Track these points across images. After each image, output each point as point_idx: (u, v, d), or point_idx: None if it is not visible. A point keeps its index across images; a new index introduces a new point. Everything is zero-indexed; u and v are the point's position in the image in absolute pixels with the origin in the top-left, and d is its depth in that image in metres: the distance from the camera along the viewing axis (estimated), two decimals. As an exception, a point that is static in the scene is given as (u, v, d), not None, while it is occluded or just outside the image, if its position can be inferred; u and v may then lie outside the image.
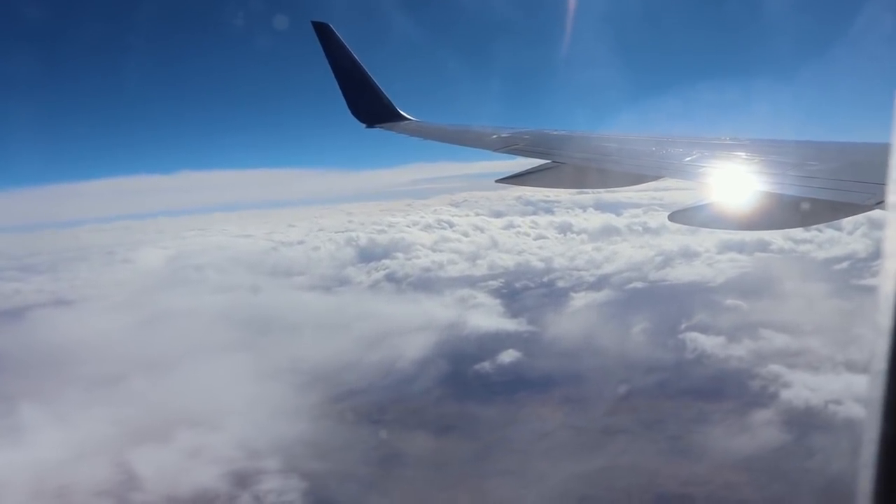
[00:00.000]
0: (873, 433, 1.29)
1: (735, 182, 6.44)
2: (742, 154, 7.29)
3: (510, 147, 9.60)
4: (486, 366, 59.03)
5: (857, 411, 42.07)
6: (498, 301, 76.28)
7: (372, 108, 13.38)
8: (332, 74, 13.25)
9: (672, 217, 6.49)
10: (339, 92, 13.37)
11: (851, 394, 43.79)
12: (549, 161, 8.72)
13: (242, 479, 41.46)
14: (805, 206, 5.28)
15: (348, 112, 13.47)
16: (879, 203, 4.53)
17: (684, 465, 41.19)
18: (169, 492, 39.76)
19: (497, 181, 9.92)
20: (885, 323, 1.27)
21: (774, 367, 50.06)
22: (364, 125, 13.44)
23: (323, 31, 13.02)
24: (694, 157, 7.27)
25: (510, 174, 9.42)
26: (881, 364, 1.28)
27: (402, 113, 13.54)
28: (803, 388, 46.11)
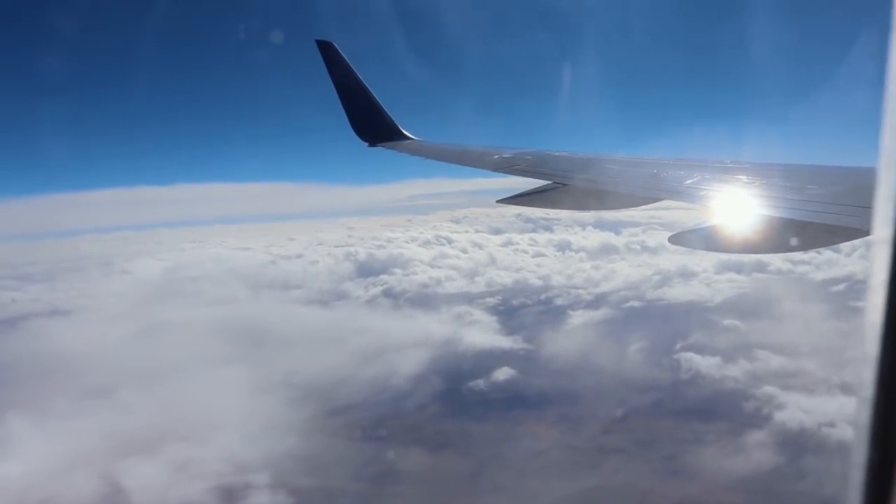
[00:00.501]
0: (861, 459, 1.33)
1: (735, 205, 6.48)
2: (742, 177, 7.33)
3: (512, 168, 9.69)
4: (481, 383, 58.74)
5: (850, 434, 41.70)
6: (494, 318, 76.07)
7: (374, 126, 13.50)
8: (335, 91, 13.32)
9: (672, 239, 6.56)
10: (342, 108, 13.45)
11: (845, 416, 43.45)
12: (550, 182, 8.84)
13: (230, 494, 41.09)
14: (805, 230, 5.28)
15: (350, 128, 13.58)
16: None
17: (676, 485, 40.85)
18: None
19: (498, 201, 10.08)
20: (872, 351, 1.31)
21: (769, 389, 49.72)
22: (366, 144, 13.55)
23: (327, 50, 13.12)
24: (695, 179, 7.32)
25: (511, 193, 9.53)
26: (868, 391, 1.32)
27: (405, 132, 13.65)
28: (797, 410, 45.76)
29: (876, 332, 1.30)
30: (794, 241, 5.51)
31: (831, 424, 43.02)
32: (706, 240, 6.28)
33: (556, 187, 8.71)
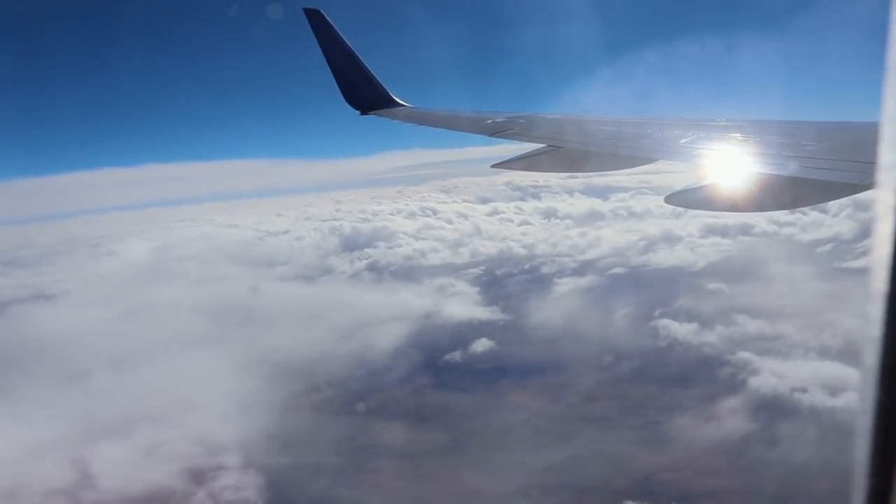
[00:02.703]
0: (869, 402, 1.31)
1: (731, 164, 6.47)
2: (737, 135, 7.27)
3: (505, 132, 9.56)
4: (460, 355, 58.67)
5: (821, 399, 41.53)
6: (477, 289, 75.63)
7: (365, 95, 13.31)
8: (324, 61, 13.10)
9: (668, 199, 6.57)
10: (332, 79, 13.26)
11: (818, 380, 43.21)
12: (544, 145, 8.71)
13: (198, 476, 41.05)
14: (801, 186, 5.29)
15: (341, 99, 13.36)
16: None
17: (648, 453, 40.77)
18: (121, 489, 39.34)
19: (492, 166, 10.09)
20: (880, 288, 1.29)
21: (745, 354, 49.38)
22: (358, 112, 13.38)
23: (315, 18, 12.84)
24: (689, 138, 7.23)
25: (505, 159, 9.49)
26: (876, 330, 1.30)
27: (396, 99, 13.47)
28: (771, 376, 45.42)
29: (884, 268, 1.28)
30: (791, 198, 5.54)
31: (803, 390, 42.70)
32: (702, 199, 6.31)
33: (551, 150, 8.65)
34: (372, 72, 13.41)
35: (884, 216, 1.30)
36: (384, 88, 13.49)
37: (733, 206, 6.89)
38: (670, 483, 37.59)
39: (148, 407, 50.07)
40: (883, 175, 1.33)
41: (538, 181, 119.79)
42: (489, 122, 10.37)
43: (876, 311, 1.30)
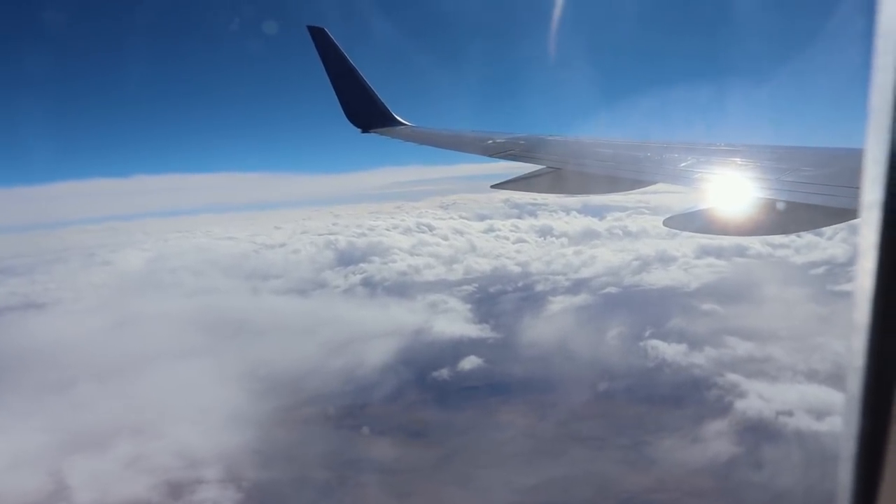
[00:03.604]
0: (853, 428, 1.35)
1: (730, 188, 6.49)
2: (737, 159, 7.34)
3: (505, 153, 9.63)
4: (451, 372, 58.33)
5: (806, 423, 41.15)
6: (469, 306, 75.35)
7: (367, 113, 13.42)
8: (326, 78, 13.21)
9: (667, 222, 6.58)
10: (333, 94, 13.36)
11: (804, 404, 42.86)
12: (544, 166, 8.78)
13: (176, 489, 40.63)
14: (800, 211, 5.29)
15: (342, 114, 13.49)
16: None
17: (634, 475, 40.38)
18: (96, 502, 38.94)
19: (492, 186, 10.04)
20: (863, 320, 1.33)
21: (733, 377, 49.03)
22: (360, 130, 13.48)
23: (318, 36, 12.97)
24: (689, 162, 7.30)
25: (505, 178, 9.49)
26: (859, 361, 1.34)
27: (398, 118, 13.57)
28: (758, 399, 45.06)
29: (867, 299, 1.31)
30: (789, 223, 5.56)
31: (789, 413, 42.31)
32: (701, 222, 6.33)
33: (550, 172, 8.69)
34: (374, 90, 13.53)
35: (866, 253, 1.32)
36: (385, 107, 13.61)
37: (732, 230, 6.95)
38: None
39: (132, 418, 49.79)
40: (864, 213, 1.35)
41: (536, 199, 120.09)
42: (489, 142, 10.48)
43: (859, 343, 1.33)
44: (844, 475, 1.37)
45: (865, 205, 1.35)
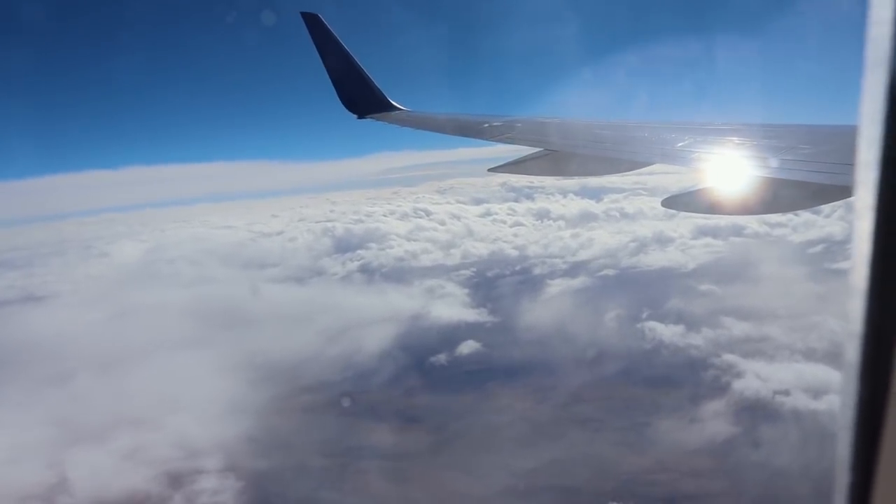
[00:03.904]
0: (850, 398, 1.35)
1: (728, 167, 6.42)
2: (734, 139, 7.27)
3: (502, 136, 9.56)
4: (449, 357, 58.46)
5: (803, 402, 41.28)
6: (467, 291, 75.35)
7: (362, 98, 13.42)
8: (321, 64, 13.22)
9: (665, 203, 6.66)
10: (328, 81, 13.38)
11: (801, 383, 42.96)
12: (541, 149, 8.72)
13: (176, 480, 40.81)
14: (798, 189, 5.28)
15: (337, 101, 13.50)
16: None
17: (634, 456, 40.56)
18: (95, 494, 39.09)
19: (490, 170, 10.14)
20: (860, 285, 1.32)
21: (731, 357, 49.10)
22: (355, 116, 13.51)
23: (313, 23, 12.93)
24: (686, 142, 7.23)
25: (502, 162, 9.57)
26: (857, 327, 1.33)
27: (393, 103, 13.56)
28: (755, 379, 45.15)
29: (864, 263, 1.32)
30: (787, 202, 5.59)
31: (786, 392, 42.42)
32: (700, 202, 6.31)
33: (548, 154, 8.63)
34: (369, 76, 13.50)
35: (862, 214, 1.33)
36: (381, 92, 13.58)
37: (730, 210, 6.93)
38: (655, 485, 37.42)
39: (132, 409, 49.88)
40: (860, 173, 1.35)
41: (533, 182, 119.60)
42: (486, 125, 10.41)
43: (856, 308, 1.33)
44: (843, 443, 1.37)
45: (862, 164, 1.34)
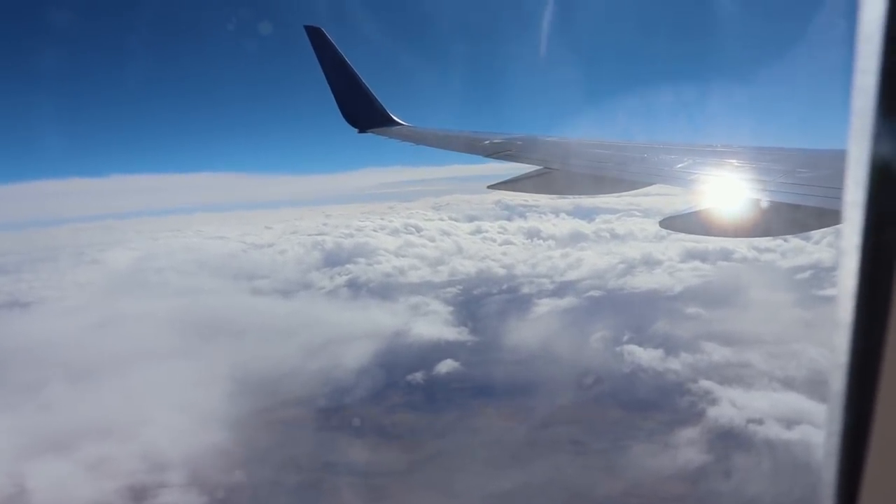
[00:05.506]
0: (836, 425, 1.38)
1: (727, 190, 6.45)
2: (733, 161, 7.30)
3: (502, 153, 9.56)
4: (426, 375, 57.98)
5: (776, 431, 40.80)
6: (451, 309, 74.94)
7: (364, 113, 13.44)
8: (321, 77, 13.26)
9: (663, 224, 6.64)
10: (328, 94, 13.42)
11: (776, 412, 42.50)
12: (540, 167, 8.73)
13: (140, 493, 40.28)
14: (797, 213, 5.28)
15: (337, 114, 13.53)
16: None
17: (608, 479, 40.11)
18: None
19: (488, 187, 10.08)
20: (846, 318, 1.35)
21: (707, 384, 48.63)
22: (357, 130, 13.50)
23: (315, 36, 12.95)
24: (685, 163, 7.25)
25: (502, 179, 9.46)
26: (842, 358, 1.37)
27: (395, 118, 13.54)
28: (730, 406, 44.69)
29: (849, 297, 1.34)
30: (786, 225, 5.56)
31: (759, 421, 41.95)
32: (698, 224, 6.29)
33: (547, 173, 8.66)
34: (371, 90, 13.50)
35: (848, 252, 1.35)
36: (382, 107, 13.59)
37: (728, 232, 6.94)
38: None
39: (104, 419, 49.43)
40: (847, 212, 1.38)
41: (528, 200, 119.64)
42: (487, 143, 10.41)
43: (842, 341, 1.36)
44: (828, 471, 1.39)
45: (848, 204, 1.36)
